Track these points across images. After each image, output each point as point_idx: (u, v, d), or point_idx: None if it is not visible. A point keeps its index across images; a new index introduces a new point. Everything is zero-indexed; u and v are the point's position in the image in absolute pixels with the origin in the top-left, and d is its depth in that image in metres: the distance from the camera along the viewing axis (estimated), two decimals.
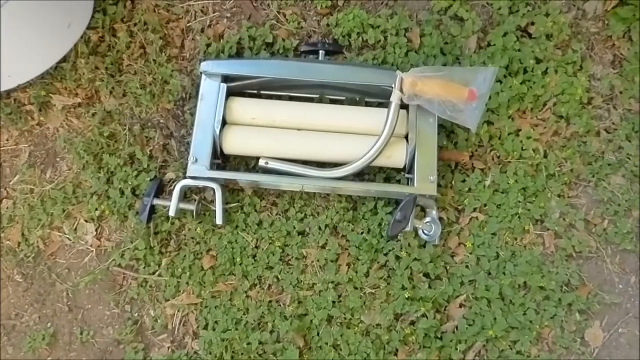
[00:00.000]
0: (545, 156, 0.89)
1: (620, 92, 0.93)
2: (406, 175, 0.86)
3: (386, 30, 0.94)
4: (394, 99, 0.81)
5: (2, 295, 0.87)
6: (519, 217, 0.85)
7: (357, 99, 0.92)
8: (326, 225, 0.85)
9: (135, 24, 0.97)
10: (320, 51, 0.90)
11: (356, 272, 0.83)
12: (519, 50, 0.92)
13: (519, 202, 0.86)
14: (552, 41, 0.94)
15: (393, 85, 0.81)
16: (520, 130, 0.90)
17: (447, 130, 0.89)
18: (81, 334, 0.85)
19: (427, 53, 0.93)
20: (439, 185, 0.84)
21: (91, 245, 0.88)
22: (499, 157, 0.89)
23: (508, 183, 0.86)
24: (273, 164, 0.84)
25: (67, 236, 0.89)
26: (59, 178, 0.92)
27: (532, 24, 0.95)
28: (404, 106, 0.83)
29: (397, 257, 0.83)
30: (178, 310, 0.84)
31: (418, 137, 0.83)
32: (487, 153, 0.90)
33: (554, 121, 0.90)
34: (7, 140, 0.95)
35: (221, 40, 0.96)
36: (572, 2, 0.99)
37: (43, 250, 0.89)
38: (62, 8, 0.91)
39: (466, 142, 0.89)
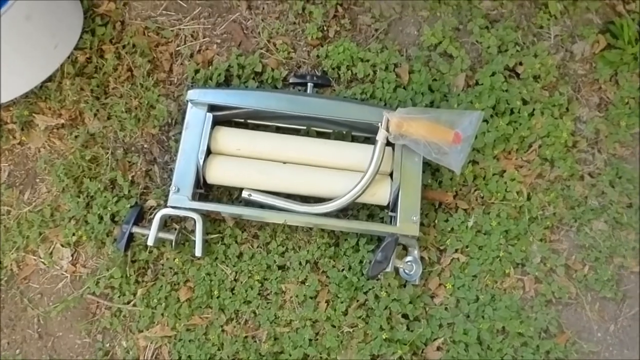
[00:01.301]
0: (528, 199, 0.89)
1: (606, 136, 0.94)
2: (389, 213, 0.86)
3: (376, 64, 0.95)
4: (380, 137, 0.81)
5: None
6: (500, 260, 0.85)
7: (344, 132, 0.92)
8: (307, 261, 0.84)
9: (123, 46, 0.97)
10: (309, 84, 0.90)
11: (335, 310, 0.82)
12: (506, 90, 0.93)
13: (501, 244, 0.85)
14: (540, 82, 0.95)
15: (380, 125, 0.81)
16: (504, 171, 0.90)
17: (432, 168, 0.89)
18: None
19: (416, 90, 0.93)
20: (421, 224, 0.83)
21: (66, 271, 0.86)
22: (482, 197, 0.89)
23: (491, 225, 0.86)
24: (256, 197, 0.83)
25: (42, 260, 0.87)
26: (37, 200, 0.90)
27: (521, 64, 0.96)
28: (390, 144, 0.83)
29: (377, 297, 0.82)
30: (151, 342, 0.82)
31: (403, 175, 0.83)
32: (471, 193, 0.90)
33: (539, 163, 0.91)
34: None
35: (210, 67, 0.96)
36: (560, 44, 1.00)
37: (17, 273, 0.87)
38: (50, 28, 0.90)
39: (450, 181, 0.89)
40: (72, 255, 0.87)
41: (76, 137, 0.92)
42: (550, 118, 0.93)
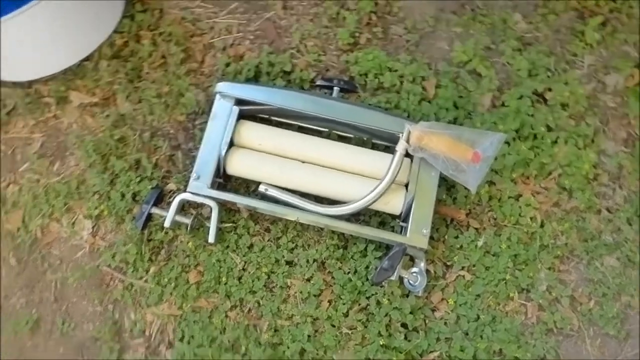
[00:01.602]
0: (542, 226, 0.88)
1: (629, 173, 0.93)
2: (400, 223, 0.87)
3: (403, 75, 0.95)
4: (400, 148, 0.82)
5: None
6: (505, 282, 0.85)
7: (365, 139, 0.93)
8: (314, 260, 0.86)
9: (160, 34, 1.00)
10: (335, 88, 0.92)
11: (336, 310, 0.84)
12: (532, 115, 0.92)
13: (508, 268, 0.86)
14: (567, 111, 0.94)
15: (400, 135, 0.82)
16: (521, 195, 0.90)
17: (448, 184, 0.90)
18: (62, 324, 0.87)
19: (440, 105, 0.93)
20: (431, 238, 0.84)
21: (86, 242, 0.91)
22: (495, 219, 0.89)
23: (500, 247, 0.86)
24: (272, 192, 0.85)
25: (65, 229, 0.91)
26: (66, 172, 0.95)
27: (550, 90, 0.95)
28: (409, 155, 0.84)
29: (378, 303, 0.83)
30: (158, 318, 0.86)
31: (418, 188, 0.84)
32: (485, 213, 0.90)
33: (556, 192, 0.90)
34: (23, 127, 0.98)
35: (241, 62, 0.98)
36: (593, 74, 0.99)
37: (40, 239, 0.92)
38: (93, 9, 0.94)
39: (465, 199, 0.89)
40: (92, 228, 0.91)
41: (107, 116, 0.96)
42: (573, 148, 0.92)
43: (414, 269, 0.84)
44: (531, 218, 0.88)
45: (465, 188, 0.88)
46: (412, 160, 0.86)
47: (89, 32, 0.95)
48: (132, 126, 0.95)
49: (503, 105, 0.94)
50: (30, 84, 0.98)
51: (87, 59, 0.97)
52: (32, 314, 0.88)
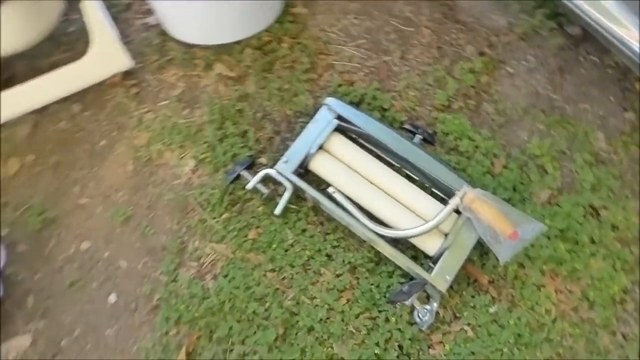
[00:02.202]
0: (553, 321, 0.95)
1: None
2: (430, 263, 1.00)
3: (479, 147, 1.09)
4: (453, 202, 0.96)
5: (111, 170, 1.16)
6: (501, 354, 0.93)
7: (426, 185, 1.08)
8: (349, 262, 1.01)
9: (297, 43, 1.25)
10: (418, 135, 1.08)
11: (350, 309, 0.97)
12: (580, 223, 1.01)
13: (509, 342, 0.94)
14: (616, 233, 1.01)
15: (456, 192, 0.96)
16: (544, 286, 0.98)
17: (482, 248, 1.01)
18: (145, 227, 1.09)
19: (501, 182, 1.05)
20: (450, 287, 0.95)
21: (185, 175, 1.14)
22: (513, 296, 0.98)
23: (508, 322, 0.95)
24: (338, 196, 1.02)
25: (174, 160, 1.16)
26: (191, 119, 1.20)
27: (606, 208, 1.03)
28: (457, 211, 0.97)
29: (387, 319, 0.96)
30: (214, 253, 1.05)
31: (455, 241, 0.97)
32: (505, 287, 0.99)
33: (579, 298, 0.97)
34: (173, 75, 1.25)
35: (351, 87, 1.19)
36: None
37: (154, 159, 1.17)
38: (258, 8, 1.21)
39: (493, 268, 0.99)
40: (194, 167, 1.14)
41: (236, 90, 1.21)
42: (610, 267, 0.98)
43: (427, 306, 0.96)
44: (546, 310, 0.96)
45: (496, 258, 0.98)
46: (458, 216, 0.99)
47: (248, 24, 1.23)
48: (251, 104, 1.19)
49: (557, 205, 1.04)
50: (192, 46, 1.27)
51: (237, 42, 1.24)
52: (128, 210, 1.12)
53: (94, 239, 1.08)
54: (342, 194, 1.03)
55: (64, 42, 1.25)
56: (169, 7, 1.18)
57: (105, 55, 1.16)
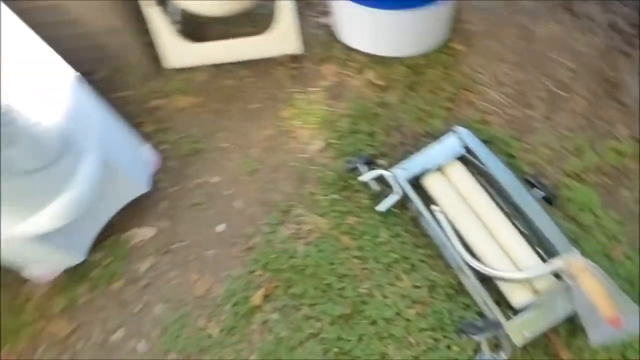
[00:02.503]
0: None
1: None
2: (511, 313, 0.97)
3: (602, 226, 1.04)
4: (555, 263, 0.93)
5: (254, 129, 1.37)
6: None
7: (532, 238, 1.06)
8: (431, 281, 1.05)
9: (447, 74, 1.35)
10: (539, 191, 1.07)
11: (417, 321, 1.00)
12: None
13: None
14: None
15: (561, 257, 0.93)
16: None
17: (576, 326, 0.95)
18: (266, 183, 1.27)
19: (617, 269, 0.98)
20: (524, 346, 0.92)
21: (311, 152, 1.30)
22: None
23: None
24: (440, 216, 1.08)
25: (305, 138, 1.32)
26: (333, 109, 1.37)
27: None
28: (557, 275, 0.94)
29: (448, 346, 0.97)
30: (313, 224, 1.17)
31: (545, 303, 0.93)
32: None
33: None
34: (329, 69, 1.45)
35: (485, 125, 1.24)
36: None
37: (290, 131, 1.35)
38: (429, 32, 1.34)
39: (578, 350, 0.93)
40: (322, 147, 1.31)
41: (379, 96, 1.36)
42: None
43: (494, 354, 0.94)
44: None
45: (586, 336, 0.92)
46: (557, 279, 0.94)
47: (409, 45, 1.37)
48: (388, 113, 1.32)
49: None
50: (353, 50, 1.45)
51: (394, 58, 1.39)
52: (257, 164, 1.31)
53: (223, 177, 1.31)
54: (444, 215, 1.07)
55: (254, 19, 1.54)
56: (345, 15, 1.39)
57: (282, 37, 1.40)
